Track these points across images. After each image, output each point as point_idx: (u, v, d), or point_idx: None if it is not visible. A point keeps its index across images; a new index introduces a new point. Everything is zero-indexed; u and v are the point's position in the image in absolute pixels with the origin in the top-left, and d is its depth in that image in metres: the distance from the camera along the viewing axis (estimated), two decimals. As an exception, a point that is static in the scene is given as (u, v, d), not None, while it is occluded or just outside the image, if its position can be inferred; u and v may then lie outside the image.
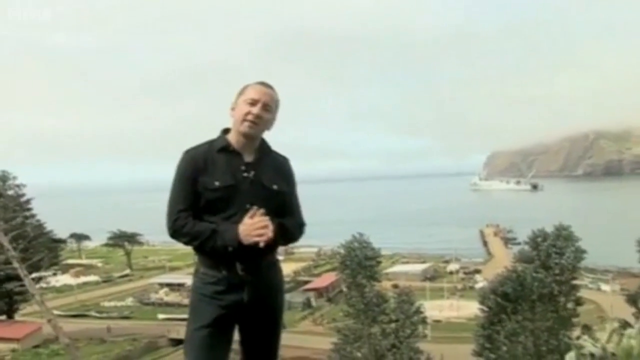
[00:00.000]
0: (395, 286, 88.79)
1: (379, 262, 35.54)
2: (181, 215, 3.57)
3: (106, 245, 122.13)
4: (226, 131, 3.77)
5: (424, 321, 31.88)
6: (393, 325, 26.29)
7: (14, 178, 70.95)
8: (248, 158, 3.71)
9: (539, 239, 29.48)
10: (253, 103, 3.65)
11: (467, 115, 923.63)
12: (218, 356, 3.73)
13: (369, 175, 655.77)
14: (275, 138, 3.91)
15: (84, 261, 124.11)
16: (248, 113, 3.64)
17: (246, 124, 3.65)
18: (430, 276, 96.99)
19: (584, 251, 29.74)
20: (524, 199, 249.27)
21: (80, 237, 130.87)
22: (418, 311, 29.40)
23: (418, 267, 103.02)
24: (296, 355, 53.64)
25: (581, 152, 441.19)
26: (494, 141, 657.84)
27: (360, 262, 30.65)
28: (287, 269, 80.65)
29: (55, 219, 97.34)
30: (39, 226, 72.45)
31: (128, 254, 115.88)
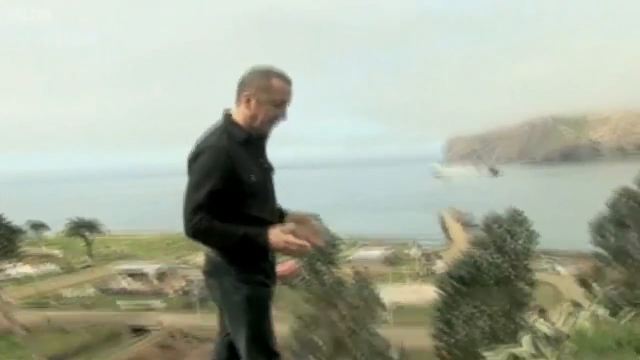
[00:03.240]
0: (357, 272, 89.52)
1: (338, 248, 35.68)
2: (206, 217, 3.37)
3: (65, 234, 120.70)
4: (229, 115, 3.62)
5: (382, 306, 32.18)
6: (352, 310, 26.53)
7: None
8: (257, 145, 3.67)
9: (494, 224, 30.03)
10: (281, 105, 3.55)
11: (428, 101, 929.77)
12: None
13: (330, 162, 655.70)
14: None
15: (44, 251, 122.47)
16: (276, 117, 3.56)
17: (270, 126, 3.60)
18: (392, 261, 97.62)
19: (537, 235, 30.32)
20: (484, 184, 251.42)
21: (39, 227, 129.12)
22: (376, 296, 29.67)
23: (379, 253, 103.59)
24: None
25: (540, 138, 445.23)
26: (455, 127, 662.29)
27: (318, 247, 30.70)
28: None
29: (15, 208, 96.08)
30: (-4, 216, 71.42)
31: (88, 242, 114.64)
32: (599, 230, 29.66)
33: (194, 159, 3.46)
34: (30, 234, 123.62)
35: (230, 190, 3.40)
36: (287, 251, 3.40)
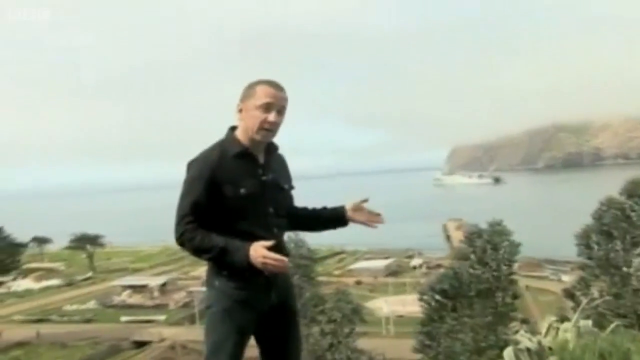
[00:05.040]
0: (359, 282, 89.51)
1: (315, 261, 35.39)
2: (188, 228, 3.41)
3: (68, 248, 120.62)
4: (233, 128, 3.63)
5: (362, 320, 31.87)
6: (332, 325, 26.29)
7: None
8: (260, 159, 3.62)
9: (474, 236, 29.86)
10: (267, 109, 3.48)
11: (430, 110, 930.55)
12: None
13: (331, 172, 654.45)
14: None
15: (46, 265, 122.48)
16: (264, 121, 3.49)
17: (263, 132, 3.51)
18: (394, 271, 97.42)
19: (519, 244, 30.14)
20: (487, 192, 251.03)
21: (41, 241, 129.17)
22: (357, 310, 29.40)
23: (381, 263, 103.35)
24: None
25: (541, 145, 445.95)
26: (456, 135, 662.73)
27: (295, 261, 30.50)
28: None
29: (17, 223, 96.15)
30: (-2, 230, 71.68)
31: (90, 256, 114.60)
32: (584, 240, 29.51)
33: (186, 170, 3.52)
34: (33, 248, 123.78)
35: (215, 203, 3.42)
36: (265, 267, 3.40)
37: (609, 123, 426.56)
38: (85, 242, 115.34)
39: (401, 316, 68.64)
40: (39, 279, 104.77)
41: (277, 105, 3.50)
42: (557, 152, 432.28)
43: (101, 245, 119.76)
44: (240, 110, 3.54)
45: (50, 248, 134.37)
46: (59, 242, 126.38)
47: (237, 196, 3.44)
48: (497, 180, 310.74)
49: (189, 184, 3.47)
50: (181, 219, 3.43)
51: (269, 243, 3.38)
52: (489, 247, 28.82)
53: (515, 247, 29.71)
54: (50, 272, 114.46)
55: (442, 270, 30.44)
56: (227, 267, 3.46)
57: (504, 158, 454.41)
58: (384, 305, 69.55)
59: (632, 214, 28.70)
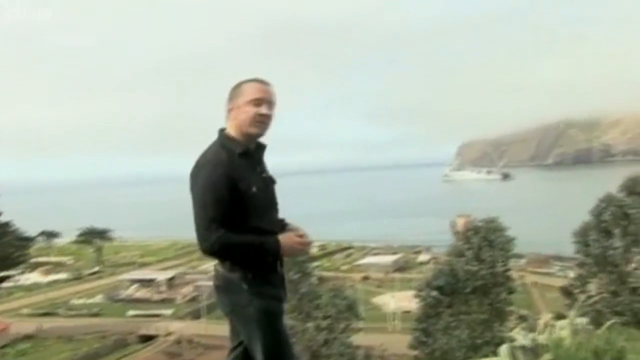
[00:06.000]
0: (366, 278, 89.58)
1: (312, 258, 35.49)
2: (222, 232, 3.42)
3: (76, 242, 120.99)
4: (222, 130, 3.69)
5: (358, 316, 31.90)
6: (328, 320, 26.47)
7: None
8: (256, 157, 3.71)
9: (471, 232, 29.89)
10: (258, 103, 3.58)
11: (439, 105, 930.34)
12: None
13: (340, 167, 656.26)
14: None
15: (54, 259, 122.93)
16: (257, 114, 3.58)
17: (257, 125, 3.60)
18: (401, 267, 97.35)
19: (512, 239, 30.12)
20: (495, 188, 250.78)
21: (50, 235, 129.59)
22: (351, 306, 29.45)
23: (389, 259, 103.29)
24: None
25: (551, 141, 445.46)
26: (466, 131, 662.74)
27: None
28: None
29: (27, 217, 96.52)
30: (6, 224, 71.70)
31: (98, 250, 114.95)
32: (582, 237, 29.42)
33: (195, 176, 3.54)
34: (41, 242, 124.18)
35: (233, 202, 3.46)
36: (299, 251, 3.69)
37: (619, 120, 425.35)
38: (93, 236, 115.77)
39: (408, 312, 68.52)
40: (46, 272, 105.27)
41: (266, 99, 3.61)
42: (567, 149, 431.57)
43: (109, 239, 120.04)
44: (230, 110, 3.63)
45: (58, 242, 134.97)
46: (67, 236, 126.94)
47: (249, 194, 3.51)
48: (505, 176, 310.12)
49: (208, 187, 3.47)
50: (210, 225, 3.43)
51: (298, 231, 3.69)
52: (484, 244, 28.85)
53: (509, 242, 29.71)
54: (58, 266, 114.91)
55: (439, 267, 30.52)
56: (256, 265, 3.54)
57: (513, 154, 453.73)
58: (390, 301, 69.54)
59: (631, 211, 28.53)
